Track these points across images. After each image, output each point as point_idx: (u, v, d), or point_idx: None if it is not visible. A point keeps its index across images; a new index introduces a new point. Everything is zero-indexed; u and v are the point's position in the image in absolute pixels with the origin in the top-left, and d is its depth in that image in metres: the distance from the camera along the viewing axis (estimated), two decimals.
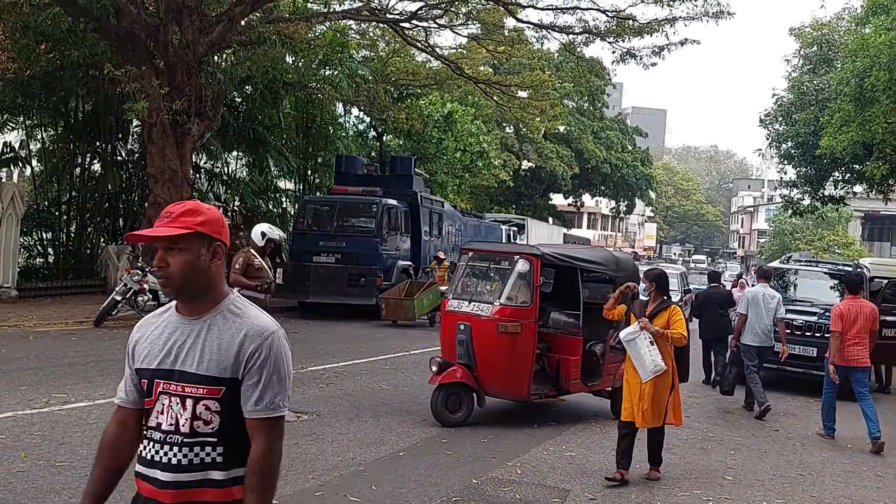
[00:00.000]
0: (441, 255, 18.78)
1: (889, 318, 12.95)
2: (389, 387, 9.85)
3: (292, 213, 24.28)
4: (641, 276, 6.95)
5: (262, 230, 8.84)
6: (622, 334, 6.46)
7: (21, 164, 19.74)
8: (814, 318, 12.04)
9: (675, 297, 15.54)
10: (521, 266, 8.14)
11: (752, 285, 13.43)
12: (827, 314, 12.15)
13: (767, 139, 25.77)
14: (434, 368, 8.11)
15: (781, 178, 27.73)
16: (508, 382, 7.99)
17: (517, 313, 7.95)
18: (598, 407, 9.42)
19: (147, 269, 13.98)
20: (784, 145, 24.92)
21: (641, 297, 6.86)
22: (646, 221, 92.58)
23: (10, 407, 7.17)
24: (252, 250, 8.56)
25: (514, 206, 43.68)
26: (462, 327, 8.01)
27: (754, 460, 7.55)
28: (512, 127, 39.00)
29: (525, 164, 43.40)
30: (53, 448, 6.03)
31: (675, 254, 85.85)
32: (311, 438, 6.95)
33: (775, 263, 15.27)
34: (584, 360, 8.48)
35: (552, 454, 7.11)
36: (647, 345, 6.28)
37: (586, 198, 53.00)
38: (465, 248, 10.18)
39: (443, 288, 16.72)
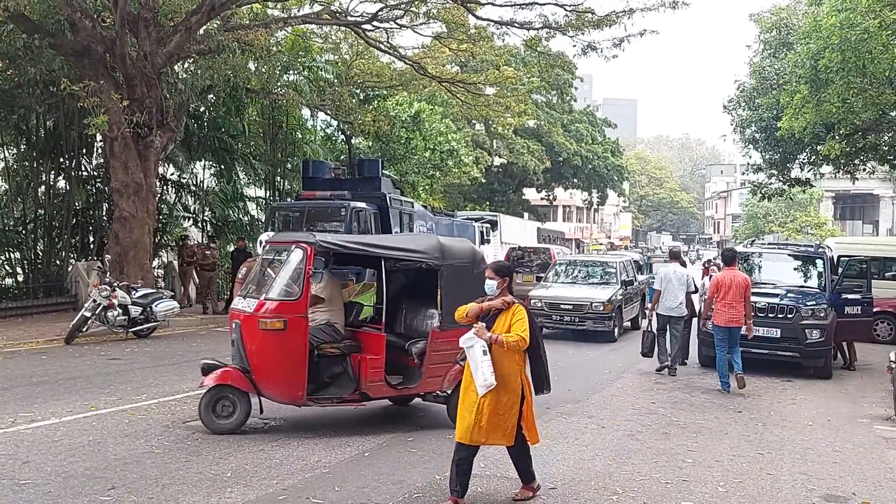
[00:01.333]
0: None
1: (851, 297, 13.22)
2: None
3: (262, 220, 24.21)
4: (488, 268, 5.84)
5: (262, 239, 9.17)
6: (461, 340, 5.52)
7: None
8: (776, 300, 12.22)
9: (613, 288, 16.20)
10: (294, 256, 7.43)
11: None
12: (790, 295, 12.45)
13: (732, 125, 26.11)
14: (203, 371, 7.52)
15: (748, 163, 28.08)
16: (280, 384, 7.30)
17: (281, 308, 7.24)
18: (567, 398, 9.54)
19: (115, 285, 13.92)
20: (748, 130, 25.26)
21: (487, 291, 5.72)
22: (621, 212, 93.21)
23: None
24: (257, 259, 8.89)
25: (487, 202, 43.79)
26: (234, 325, 7.54)
27: (715, 442, 7.70)
28: (482, 124, 39.11)
29: (497, 161, 43.53)
30: (18, 467, 6.03)
31: (663, 244, 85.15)
32: (276, 444, 7.00)
33: (740, 248, 15.47)
34: (399, 361, 7.88)
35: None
36: (480, 354, 5.36)
37: (559, 191, 53.24)
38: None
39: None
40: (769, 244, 16.94)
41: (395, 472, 6.24)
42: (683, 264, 13.07)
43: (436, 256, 7.78)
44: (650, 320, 12.48)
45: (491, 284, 5.68)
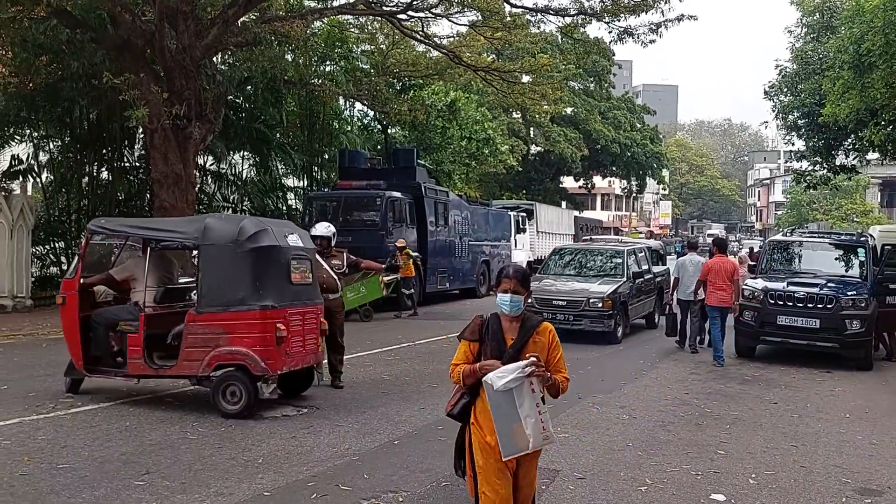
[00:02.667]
0: (401, 242, 17.51)
1: (893, 286, 12.93)
2: (391, 377, 9.99)
3: (300, 209, 24.47)
4: (512, 278, 3.94)
5: (312, 232, 9.29)
6: (496, 377, 3.62)
7: (32, 176, 20.07)
8: (815, 290, 12.01)
9: (617, 281, 14.04)
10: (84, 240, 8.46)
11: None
12: (829, 285, 12.23)
13: (773, 111, 25.60)
14: None
15: (791, 150, 27.54)
16: (71, 354, 8.06)
17: (65, 285, 8.27)
18: (599, 388, 9.52)
19: None
20: (790, 116, 24.75)
21: (506, 309, 3.93)
22: (660, 199, 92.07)
23: (18, 413, 7.38)
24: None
25: (524, 191, 43.67)
26: None
27: (748, 434, 7.61)
28: (518, 112, 38.91)
29: (533, 149, 43.32)
30: (56, 451, 6.22)
31: (713, 233, 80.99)
32: (308, 431, 7.11)
33: (778, 236, 15.22)
34: (172, 340, 7.92)
35: None
36: (531, 400, 3.67)
37: (597, 179, 52.82)
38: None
39: (388, 279, 16.08)
40: (811, 232, 16.59)
41: (425, 461, 6.30)
42: (701, 253, 14.03)
43: (195, 237, 7.82)
44: (670, 305, 13.79)
45: (515, 301, 3.86)
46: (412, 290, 17.87)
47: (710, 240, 19.83)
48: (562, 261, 15.67)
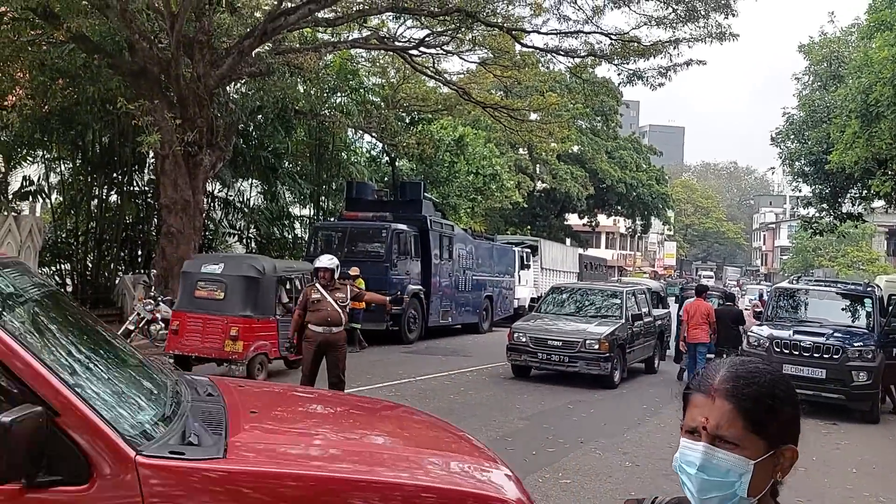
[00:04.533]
0: (355, 270, 16.23)
1: None
2: None
3: (306, 238, 24.55)
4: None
5: (315, 264, 9.41)
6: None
7: (41, 197, 20.19)
8: (822, 340, 11.95)
9: (615, 323, 13.63)
10: None
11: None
12: (836, 335, 12.18)
13: (780, 157, 25.73)
14: None
15: (797, 196, 27.63)
16: None
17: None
18: (601, 433, 9.45)
19: (160, 299, 14.22)
20: (797, 163, 24.86)
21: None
22: (665, 240, 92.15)
23: None
24: (316, 284, 9.15)
25: (529, 227, 43.74)
26: None
27: None
28: (525, 148, 39.17)
29: (539, 185, 43.51)
30: None
31: (730, 280, 77.55)
32: None
33: (784, 284, 15.22)
34: None
35: (547, 481, 7.14)
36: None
37: (602, 217, 52.92)
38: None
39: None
40: (817, 280, 16.58)
41: None
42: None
43: None
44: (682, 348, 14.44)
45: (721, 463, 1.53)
46: (360, 326, 16.78)
47: (706, 282, 20.64)
48: (559, 299, 15.26)
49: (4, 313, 2.73)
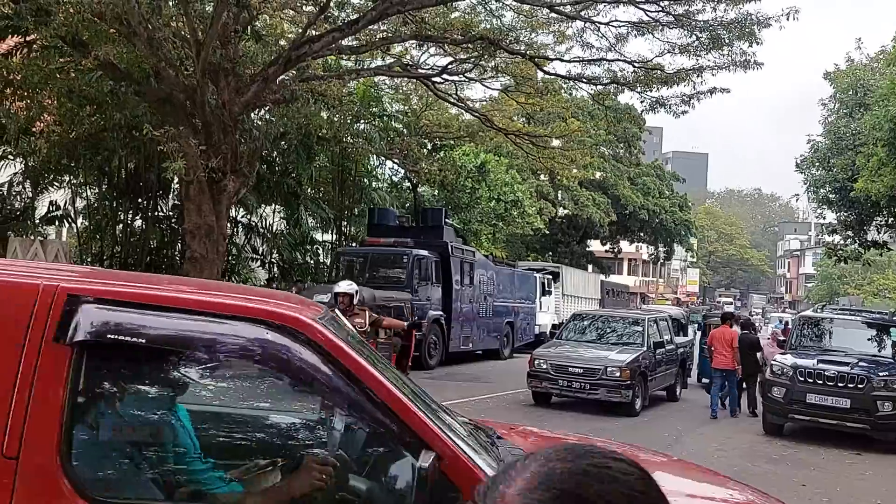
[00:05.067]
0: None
1: None
2: None
3: (328, 263, 24.67)
4: None
5: (335, 289, 9.38)
6: None
7: (68, 222, 20.50)
8: (846, 369, 11.77)
9: (637, 350, 13.64)
10: None
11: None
12: (861, 364, 12.00)
13: (805, 184, 25.52)
14: None
15: (822, 224, 27.39)
16: None
17: None
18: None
19: None
20: (822, 190, 24.63)
21: None
22: (688, 267, 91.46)
23: None
24: (336, 310, 9.06)
25: (550, 253, 43.63)
26: None
27: None
28: (547, 175, 39.21)
29: (561, 212, 43.46)
30: None
31: (755, 308, 78.11)
32: None
33: (809, 312, 15.05)
34: None
35: None
36: None
37: (625, 244, 52.71)
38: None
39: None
40: (841, 309, 16.40)
41: None
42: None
43: None
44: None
45: None
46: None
47: (728, 308, 20.79)
48: (581, 326, 15.27)
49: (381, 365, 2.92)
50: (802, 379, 11.86)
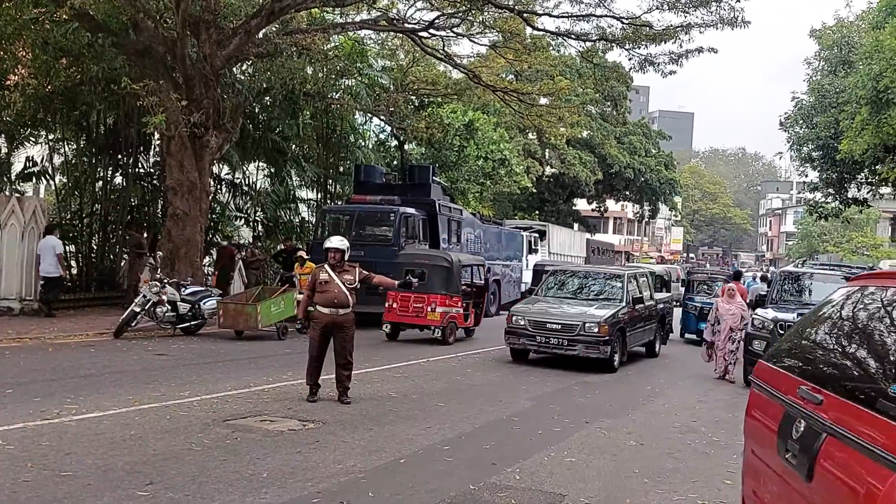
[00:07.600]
0: (303, 254, 16.82)
1: None
2: (398, 395, 9.92)
3: (313, 222, 24.52)
4: None
5: (326, 244, 9.46)
6: None
7: (45, 178, 20.16)
8: None
9: (615, 307, 13.43)
10: None
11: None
12: None
13: (788, 142, 25.62)
14: None
15: (804, 181, 27.62)
16: None
17: None
18: (607, 413, 9.44)
19: (165, 281, 14.19)
20: (804, 148, 24.75)
21: None
22: (672, 225, 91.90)
23: (22, 418, 7.33)
24: (325, 265, 9.19)
25: (537, 212, 43.67)
26: None
27: None
28: (534, 133, 39.06)
29: (548, 171, 43.40)
30: (60, 458, 6.16)
31: (742, 264, 78.29)
32: (313, 446, 7.04)
33: (789, 267, 15.18)
34: None
35: (553, 460, 7.13)
36: None
37: (610, 203, 52.80)
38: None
39: (298, 296, 13.45)
40: (821, 265, 16.56)
41: (430, 480, 6.23)
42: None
43: None
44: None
45: None
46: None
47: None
48: (558, 283, 15.00)
49: None
50: (782, 332, 11.96)
